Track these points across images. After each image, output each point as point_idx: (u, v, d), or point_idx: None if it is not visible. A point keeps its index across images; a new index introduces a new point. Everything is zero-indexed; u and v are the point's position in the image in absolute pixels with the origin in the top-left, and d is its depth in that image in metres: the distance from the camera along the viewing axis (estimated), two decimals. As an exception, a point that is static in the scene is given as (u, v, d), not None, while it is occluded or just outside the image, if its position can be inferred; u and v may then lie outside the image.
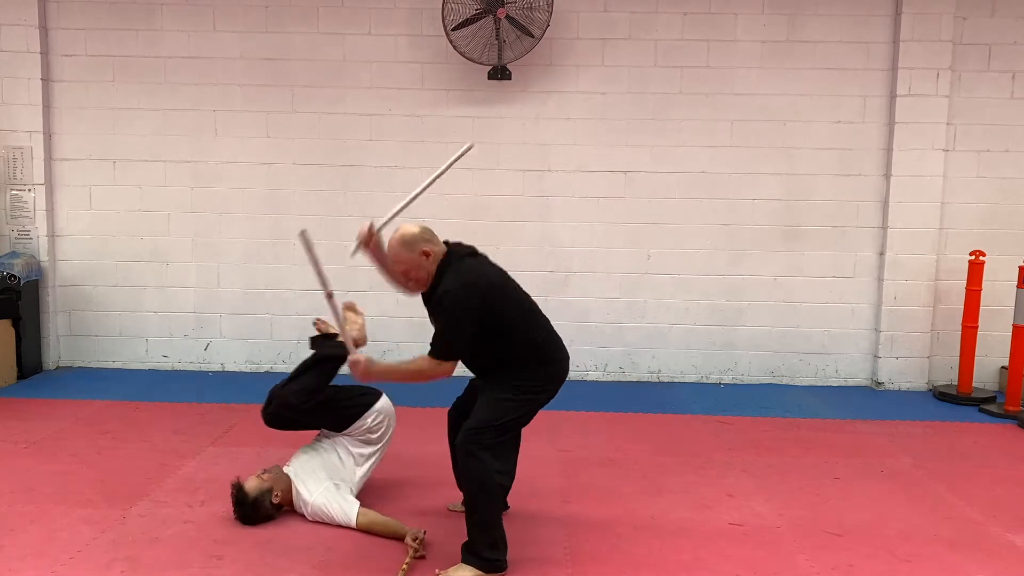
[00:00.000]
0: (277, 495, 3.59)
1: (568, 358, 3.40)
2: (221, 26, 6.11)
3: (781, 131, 6.09)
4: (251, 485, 3.57)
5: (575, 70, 6.09)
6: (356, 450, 3.78)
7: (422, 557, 3.28)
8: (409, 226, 3.28)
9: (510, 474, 3.51)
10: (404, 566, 3.15)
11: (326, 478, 3.63)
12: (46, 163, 6.18)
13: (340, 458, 3.75)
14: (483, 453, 3.14)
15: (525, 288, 3.40)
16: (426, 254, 3.22)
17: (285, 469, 3.71)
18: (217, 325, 6.37)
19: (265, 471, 3.67)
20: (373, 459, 3.82)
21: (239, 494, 3.54)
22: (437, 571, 3.15)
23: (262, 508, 3.55)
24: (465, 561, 3.16)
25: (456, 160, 3.69)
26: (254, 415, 5.15)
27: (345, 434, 3.78)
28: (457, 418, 3.53)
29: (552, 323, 3.42)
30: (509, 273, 3.39)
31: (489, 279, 3.27)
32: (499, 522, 3.22)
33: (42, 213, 6.19)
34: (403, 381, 3.47)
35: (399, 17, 6.08)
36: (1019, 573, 3.31)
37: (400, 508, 3.76)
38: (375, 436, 3.80)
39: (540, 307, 3.41)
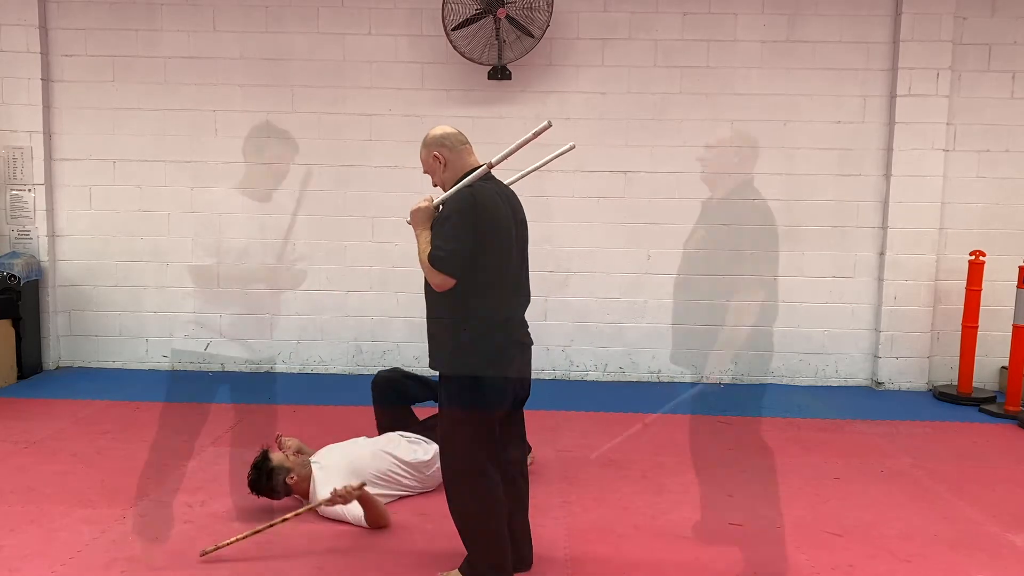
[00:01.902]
0: (293, 478, 3.67)
1: (515, 359, 3.03)
2: (221, 26, 6.11)
3: (781, 131, 6.09)
4: (277, 457, 3.70)
5: (575, 70, 6.08)
6: (410, 444, 3.97)
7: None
8: (442, 127, 3.09)
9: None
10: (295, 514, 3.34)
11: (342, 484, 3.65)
12: (46, 163, 6.18)
13: (381, 447, 3.90)
14: (475, 482, 2.90)
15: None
16: (437, 158, 3.00)
17: (312, 459, 3.83)
18: (217, 325, 6.35)
19: (295, 455, 3.79)
20: (398, 480, 3.90)
21: (263, 459, 3.66)
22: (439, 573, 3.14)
23: (274, 481, 3.64)
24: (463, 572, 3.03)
25: (557, 156, 3.50)
26: (254, 415, 5.19)
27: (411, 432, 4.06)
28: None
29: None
30: None
31: (487, 201, 2.91)
32: (503, 540, 2.98)
33: (42, 213, 6.19)
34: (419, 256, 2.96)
35: (399, 17, 6.07)
36: (1019, 573, 3.31)
37: (402, 507, 3.77)
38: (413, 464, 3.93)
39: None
